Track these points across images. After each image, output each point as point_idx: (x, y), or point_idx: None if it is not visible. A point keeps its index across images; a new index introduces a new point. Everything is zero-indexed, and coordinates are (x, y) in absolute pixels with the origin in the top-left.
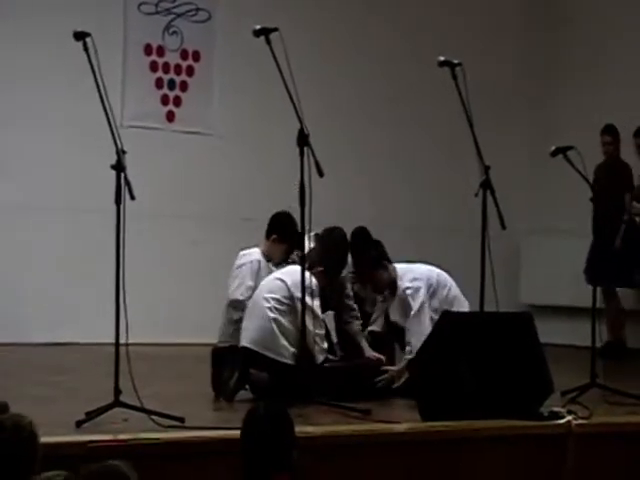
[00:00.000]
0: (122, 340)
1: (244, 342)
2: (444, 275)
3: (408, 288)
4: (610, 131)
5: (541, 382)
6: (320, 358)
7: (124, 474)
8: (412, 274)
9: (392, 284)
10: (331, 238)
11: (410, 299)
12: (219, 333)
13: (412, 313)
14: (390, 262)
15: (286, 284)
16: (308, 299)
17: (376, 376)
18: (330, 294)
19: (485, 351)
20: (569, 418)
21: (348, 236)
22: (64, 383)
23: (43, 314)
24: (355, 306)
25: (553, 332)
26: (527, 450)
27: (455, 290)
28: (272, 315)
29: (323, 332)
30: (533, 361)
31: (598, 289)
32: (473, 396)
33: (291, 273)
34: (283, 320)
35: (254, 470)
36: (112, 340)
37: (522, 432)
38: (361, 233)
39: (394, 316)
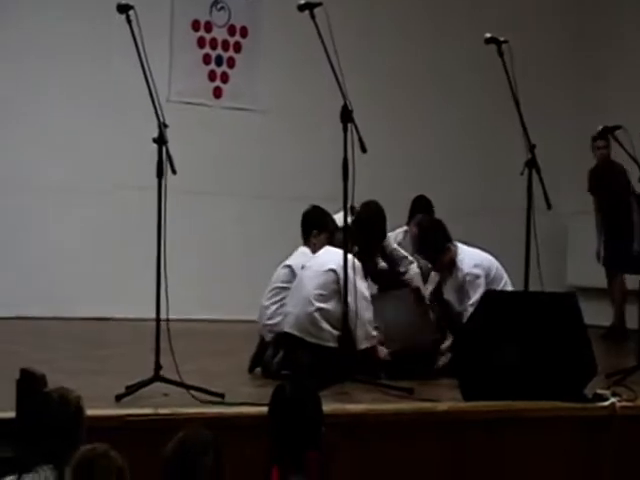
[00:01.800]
0: (163, 316)
1: (286, 327)
2: (502, 269)
3: (468, 274)
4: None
5: (585, 364)
6: (364, 344)
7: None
8: (474, 260)
9: (451, 263)
10: (366, 211)
11: (469, 287)
12: None
13: (470, 303)
14: (451, 241)
15: (332, 269)
16: (357, 282)
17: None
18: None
19: (529, 331)
20: (613, 400)
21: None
22: (107, 358)
23: (88, 289)
24: (405, 253)
25: (598, 314)
26: (570, 432)
27: (509, 286)
28: (317, 304)
29: (371, 316)
30: (577, 342)
31: None
32: (516, 377)
33: (334, 259)
34: (327, 305)
35: (283, 449)
36: (153, 316)
37: (565, 414)
38: (422, 201)
39: (448, 295)
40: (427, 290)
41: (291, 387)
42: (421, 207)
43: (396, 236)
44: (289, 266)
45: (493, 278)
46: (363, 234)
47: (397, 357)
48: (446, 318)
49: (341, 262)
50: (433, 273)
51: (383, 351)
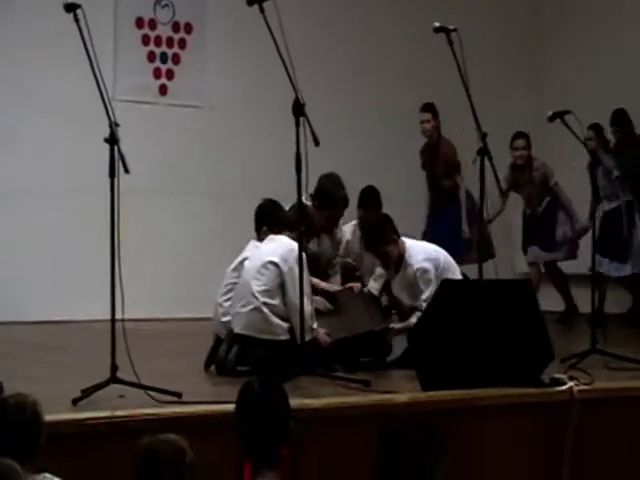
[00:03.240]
0: (118, 316)
1: (237, 329)
2: (450, 258)
3: (419, 269)
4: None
5: (542, 349)
6: (308, 336)
7: (181, 448)
8: (422, 254)
9: (400, 259)
10: (328, 180)
11: (420, 282)
12: None
13: (423, 298)
14: (399, 236)
15: (273, 261)
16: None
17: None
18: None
19: (485, 319)
20: (571, 384)
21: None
22: (61, 361)
23: (40, 292)
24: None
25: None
26: (530, 417)
27: (459, 275)
28: (262, 299)
29: (312, 308)
30: (533, 328)
31: None
32: (474, 365)
33: (275, 250)
34: (274, 301)
35: (254, 445)
36: (108, 316)
37: (524, 400)
38: (371, 191)
39: (397, 293)
40: (373, 287)
41: (259, 383)
42: (369, 198)
43: (349, 230)
44: (242, 261)
45: (442, 269)
46: (325, 204)
47: (347, 346)
48: (398, 310)
49: (283, 252)
50: (379, 269)
51: (324, 337)
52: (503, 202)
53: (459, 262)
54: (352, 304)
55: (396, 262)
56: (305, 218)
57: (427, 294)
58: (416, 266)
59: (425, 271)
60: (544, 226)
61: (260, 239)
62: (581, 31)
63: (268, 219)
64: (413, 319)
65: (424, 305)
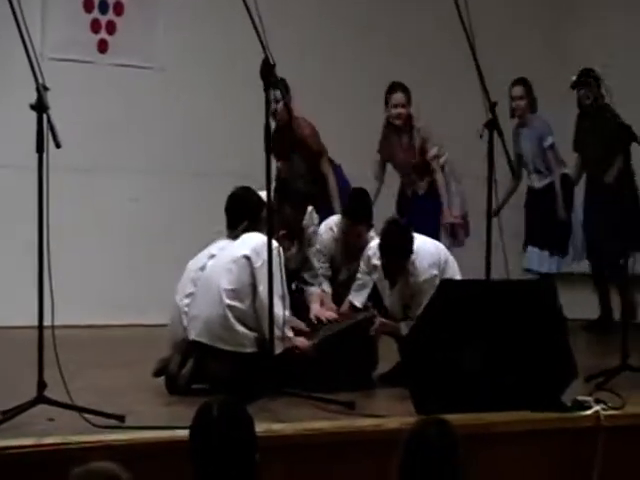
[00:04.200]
0: (47, 322)
1: (193, 335)
2: (448, 253)
3: (426, 281)
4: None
5: (563, 365)
6: (279, 348)
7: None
8: (427, 259)
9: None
10: (294, 185)
11: (427, 292)
12: None
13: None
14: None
15: (243, 257)
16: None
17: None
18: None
19: (494, 328)
20: (597, 408)
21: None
22: None
23: None
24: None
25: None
26: (547, 448)
27: (457, 268)
28: (227, 301)
29: (287, 314)
30: (553, 340)
31: None
32: (480, 383)
33: (247, 242)
34: (241, 304)
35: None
36: (34, 322)
37: (541, 427)
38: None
39: (393, 304)
40: (356, 300)
41: (218, 406)
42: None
43: (332, 230)
44: (213, 256)
45: (445, 264)
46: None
47: (331, 348)
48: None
49: (257, 246)
50: (361, 276)
51: (304, 342)
52: (516, 183)
53: None
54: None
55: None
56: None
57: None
58: (423, 277)
59: (433, 277)
60: None
61: (236, 237)
62: None
63: (249, 213)
64: (403, 326)
65: None
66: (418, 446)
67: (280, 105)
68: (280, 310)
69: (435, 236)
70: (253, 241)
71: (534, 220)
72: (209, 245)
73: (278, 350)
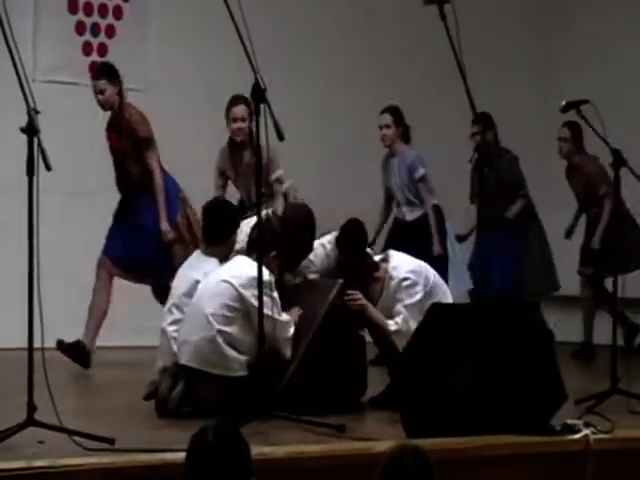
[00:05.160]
0: (36, 344)
1: (184, 360)
2: (439, 276)
3: (406, 279)
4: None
5: (551, 389)
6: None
7: None
8: (410, 265)
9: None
10: (296, 216)
11: (404, 294)
12: None
13: (404, 304)
14: (377, 268)
15: (231, 284)
16: (267, 305)
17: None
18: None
19: (483, 351)
20: (587, 432)
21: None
22: None
23: None
24: None
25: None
26: (535, 472)
27: (449, 296)
28: (217, 327)
29: (288, 335)
30: (541, 363)
31: None
32: (469, 407)
33: (236, 268)
34: (230, 329)
35: None
36: (24, 344)
37: (529, 450)
38: (354, 230)
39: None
40: None
41: (214, 431)
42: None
43: (324, 247)
44: (196, 283)
45: (434, 285)
46: (291, 242)
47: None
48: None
49: (242, 274)
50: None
51: (297, 313)
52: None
53: None
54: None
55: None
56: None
57: (408, 301)
58: (402, 275)
59: (412, 283)
60: None
61: (219, 254)
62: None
63: (226, 228)
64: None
65: (403, 312)
66: (394, 472)
67: (108, 92)
68: (283, 332)
69: None
70: (241, 268)
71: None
72: (187, 264)
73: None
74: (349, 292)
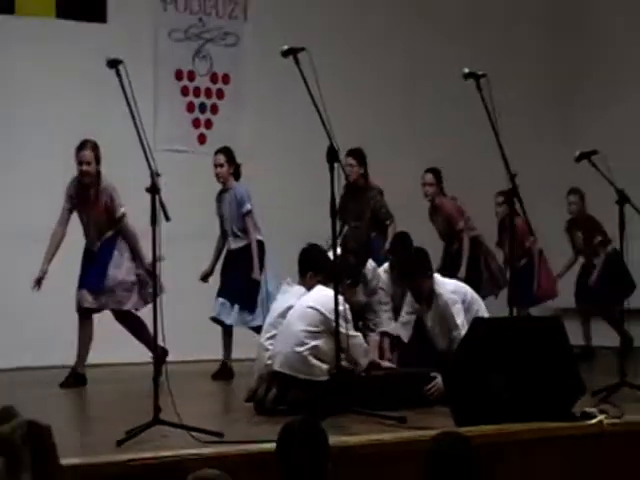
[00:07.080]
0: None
1: (276, 366)
2: (475, 294)
3: (449, 299)
4: None
5: (572, 384)
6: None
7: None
8: (450, 286)
9: (431, 293)
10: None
11: (453, 310)
12: None
13: (458, 322)
14: (432, 272)
15: (319, 311)
16: (343, 325)
17: (423, 385)
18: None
19: (517, 356)
20: (601, 418)
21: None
22: (104, 404)
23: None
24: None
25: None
26: (562, 450)
27: (484, 310)
28: (305, 340)
29: (362, 348)
30: (564, 364)
31: None
32: (506, 401)
33: (322, 299)
34: (316, 342)
35: None
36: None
37: (556, 433)
38: (402, 238)
39: (432, 327)
40: (403, 335)
41: (299, 424)
42: (398, 245)
43: (387, 273)
44: (288, 308)
45: (471, 300)
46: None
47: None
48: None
49: (324, 300)
50: (405, 315)
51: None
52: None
53: None
54: None
55: (427, 296)
56: (348, 269)
57: (460, 320)
58: (446, 296)
59: (454, 301)
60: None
61: (306, 284)
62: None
63: (313, 265)
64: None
65: (462, 331)
66: (440, 454)
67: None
68: (361, 340)
69: None
70: (325, 300)
71: (230, 278)
72: (282, 289)
73: (364, 362)
74: (428, 387)
